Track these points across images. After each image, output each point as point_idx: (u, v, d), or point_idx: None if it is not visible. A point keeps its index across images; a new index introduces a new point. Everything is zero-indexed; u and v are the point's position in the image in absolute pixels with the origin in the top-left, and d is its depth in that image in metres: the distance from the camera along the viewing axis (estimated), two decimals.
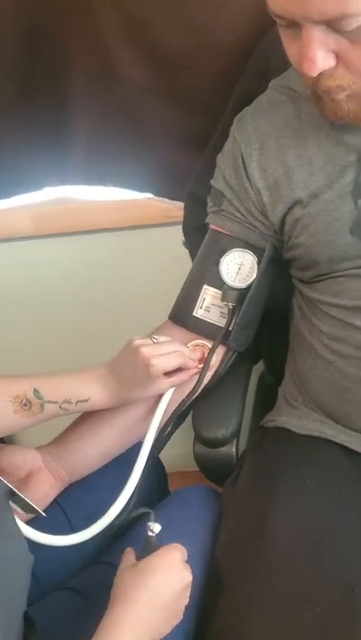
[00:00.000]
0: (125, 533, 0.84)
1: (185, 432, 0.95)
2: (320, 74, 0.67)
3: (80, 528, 0.81)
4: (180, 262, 1.06)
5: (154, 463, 0.95)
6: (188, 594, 0.69)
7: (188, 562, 0.72)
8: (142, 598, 0.64)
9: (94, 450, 0.87)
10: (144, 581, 0.66)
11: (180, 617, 0.68)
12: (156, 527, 0.72)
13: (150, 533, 0.71)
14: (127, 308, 1.48)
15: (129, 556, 0.71)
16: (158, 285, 1.43)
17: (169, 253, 1.39)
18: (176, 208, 1.18)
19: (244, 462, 0.90)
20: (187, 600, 0.69)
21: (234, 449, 0.92)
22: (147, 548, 0.70)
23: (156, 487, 0.98)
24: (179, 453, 1.07)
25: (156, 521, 0.72)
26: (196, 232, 1.03)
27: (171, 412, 0.89)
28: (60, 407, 0.80)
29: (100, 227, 1.38)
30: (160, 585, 0.66)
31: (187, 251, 1.10)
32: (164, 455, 0.96)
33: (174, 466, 1.15)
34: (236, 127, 0.88)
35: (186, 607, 0.70)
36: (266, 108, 0.85)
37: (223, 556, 0.79)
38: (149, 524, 0.72)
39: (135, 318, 1.44)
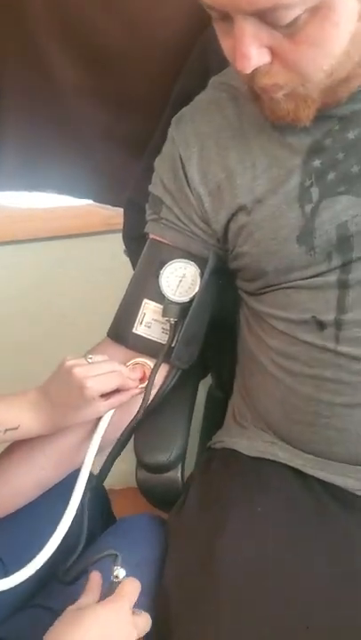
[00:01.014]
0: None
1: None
2: (255, 70, 0.63)
3: (15, 568, 0.74)
4: (123, 273, 1.00)
5: (96, 491, 0.89)
6: None
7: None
8: None
9: (27, 481, 0.81)
10: (78, 633, 0.58)
11: None
12: (120, 572, 0.65)
13: (115, 579, 0.65)
14: (65, 322, 1.42)
15: (89, 596, 0.64)
16: (99, 298, 1.36)
17: (111, 263, 1.33)
18: (118, 215, 1.13)
19: (190, 488, 0.85)
20: None
21: (179, 474, 0.87)
22: (108, 595, 0.64)
23: (99, 516, 0.92)
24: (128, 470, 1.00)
25: (122, 566, 0.65)
26: (136, 242, 0.98)
27: (109, 436, 0.83)
28: None
29: (39, 235, 1.32)
30: (103, 637, 0.59)
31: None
32: (115, 472, 0.89)
33: (127, 481, 1.07)
34: (174, 128, 0.83)
35: None
36: (205, 108, 0.80)
37: (170, 595, 0.73)
38: (115, 568, 0.65)
39: (73, 334, 1.38)
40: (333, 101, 0.69)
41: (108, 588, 0.64)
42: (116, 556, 0.66)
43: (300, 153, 0.73)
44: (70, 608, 0.62)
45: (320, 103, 0.67)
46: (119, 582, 0.64)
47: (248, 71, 0.62)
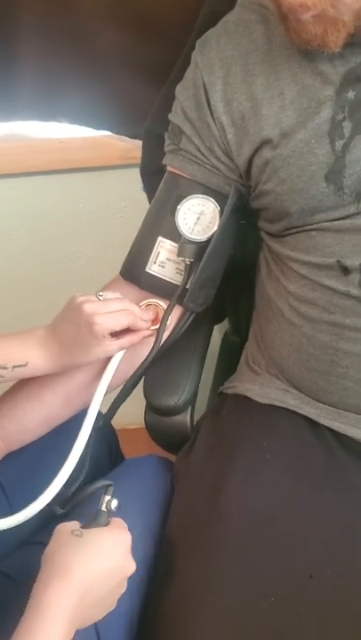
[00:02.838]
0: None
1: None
2: None
3: (20, 505, 0.73)
4: (140, 211, 0.96)
5: (104, 429, 0.88)
6: (126, 585, 0.61)
7: (136, 541, 0.64)
8: (83, 578, 0.55)
9: (35, 418, 0.80)
10: (90, 558, 0.56)
11: (113, 607, 0.60)
12: (113, 503, 0.63)
13: (103, 508, 0.63)
14: (82, 260, 1.39)
15: (71, 523, 0.61)
16: (116, 235, 1.33)
17: (128, 199, 1.29)
18: (137, 148, 1.09)
19: (199, 432, 0.84)
20: (123, 590, 0.61)
21: (188, 418, 0.86)
22: (94, 523, 0.62)
23: (107, 455, 0.92)
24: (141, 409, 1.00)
25: (115, 496, 0.63)
26: (154, 176, 0.93)
27: (119, 377, 0.81)
28: None
29: (53, 167, 1.27)
30: (105, 568, 0.57)
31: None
32: (128, 411, 0.88)
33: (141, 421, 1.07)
34: (198, 52, 0.77)
35: (130, 593, 0.63)
36: (233, 30, 0.75)
37: (174, 538, 0.73)
38: (106, 497, 0.63)
39: (86, 271, 1.36)
40: None
41: (95, 516, 0.62)
42: (110, 485, 0.64)
43: (332, 83, 0.68)
44: (63, 531, 0.59)
45: (353, 27, 0.62)
46: (108, 512, 0.62)
47: None
